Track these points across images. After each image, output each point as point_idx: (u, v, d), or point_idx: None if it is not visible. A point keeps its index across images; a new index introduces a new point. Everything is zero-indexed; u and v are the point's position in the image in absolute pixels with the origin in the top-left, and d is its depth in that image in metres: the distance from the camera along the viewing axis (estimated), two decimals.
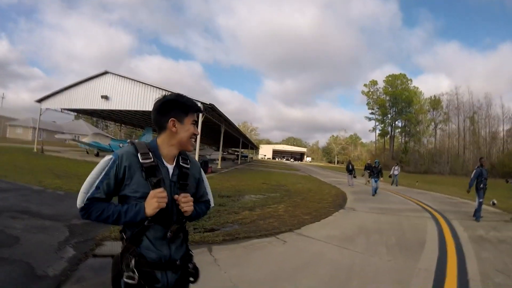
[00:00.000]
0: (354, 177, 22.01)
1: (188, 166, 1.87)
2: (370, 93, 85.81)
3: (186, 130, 1.79)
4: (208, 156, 34.22)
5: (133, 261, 1.63)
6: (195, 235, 6.29)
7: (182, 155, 1.88)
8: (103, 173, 1.67)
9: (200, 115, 22.13)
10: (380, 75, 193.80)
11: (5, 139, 50.87)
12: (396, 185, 24.36)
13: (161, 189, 1.63)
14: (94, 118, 46.36)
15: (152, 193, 1.62)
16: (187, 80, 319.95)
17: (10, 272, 4.01)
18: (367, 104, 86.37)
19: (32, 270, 4.11)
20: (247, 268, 4.86)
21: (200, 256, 5.16)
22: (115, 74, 26.06)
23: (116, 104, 25.93)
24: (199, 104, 22.31)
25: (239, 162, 52.45)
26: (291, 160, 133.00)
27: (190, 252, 1.94)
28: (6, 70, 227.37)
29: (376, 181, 16.43)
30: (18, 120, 68.40)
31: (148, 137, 29.79)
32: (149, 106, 23.01)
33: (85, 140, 32.46)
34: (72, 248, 5.11)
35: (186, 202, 1.72)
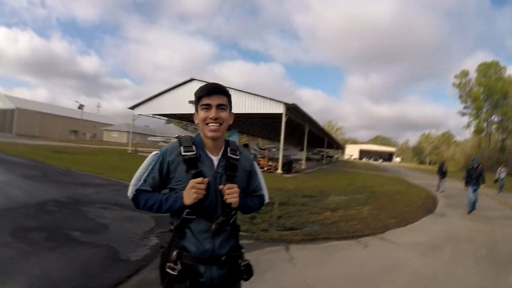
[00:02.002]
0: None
1: (238, 157, 1.80)
2: (461, 85, 76.80)
3: (199, 117, 1.73)
4: (293, 156, 34.05)
5: (174, 253, 1.65)
6: (274, 232, 6.34)
7: (231, 146, 1.82)
8: (149, 168, 1.75)
9: (283, 115, 22.22)
10: (472, 64, 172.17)
11: (102, 142, 56.59)
12: (500, 191, 19.97)
13: (200, 179, 1.59)
14: (183, 122, 48.97)
15: (191, 183, 1.59)
16: (270, 81, 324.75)
17: (96, 254, 4.44)
18: (459, 97, 77.60)
19: (116, 254, 4.51)
20: (324, 269, 4.74)
21: (276, 254, 5.19)
22: (201, 81, 26.96)
23: None
24: (281, 106, 22.47)
25: (324, 163, 51.37)
26: (380, 160, 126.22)
27: (241, 248, 1.85)
28: (99, 82, 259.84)
29: (475, 191, 11.01)
30: (113, 126, 75.96)
31: (234, 138, 30.62)
32: (233, 109, 23.56)
33: None
34: (156, 237, 5.46)
35: (230, 194, 1.63)
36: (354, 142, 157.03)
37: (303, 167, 30.46)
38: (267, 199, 2.01)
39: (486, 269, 5.23)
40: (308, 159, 44.45)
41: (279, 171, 22.30)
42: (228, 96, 1.77)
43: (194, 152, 1.68)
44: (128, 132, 56.77)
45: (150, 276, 3.88)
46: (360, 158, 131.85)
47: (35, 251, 4.28)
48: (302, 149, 39.97)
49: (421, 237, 7.10)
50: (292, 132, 38.99)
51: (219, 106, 1.69)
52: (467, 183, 11.50)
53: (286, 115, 22.52)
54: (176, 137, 1.81)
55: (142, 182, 1.74)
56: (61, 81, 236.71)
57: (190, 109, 27.45)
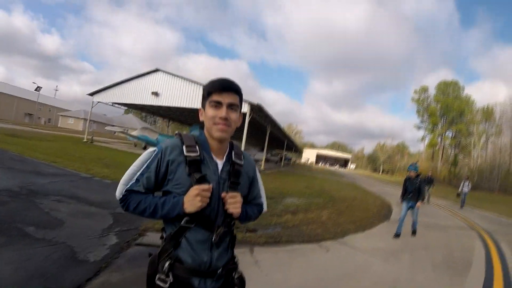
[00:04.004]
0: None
1: (242, 162, 1.66)
2: (420, 100, 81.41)
3: (207, 115, 1.56)
4: (253, 156, 34.07)
5: (167, 264, 1.49)
6: (237, 234, 6.20)
7: (235, 149, 1.68)
8: (144, 166, 1.55)
9: (247, 114, 22.10)
10: (433, 80, 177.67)
11: (57, 128, 53.96)
12: (462, 206, 18.96)
13: (206, 186, 1.45)
14: (143, 113, 47.85)
15: (195, 189, 1.43)
16: (233, 79, 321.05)
17: (52, 253, 4.10)
18: (417, 112, 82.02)
19: (74, 254, 4.18)
20: (289, 273, 4.77)
21: (241, 256, 5.03)
22: (166, 72, 26.71)
23: (165, 100, 26.56)
24: (245, 105, 22.29)
25: (282, 165, 51.99)
26: (336, 166, 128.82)
27: (236, 260, 1.72)
28: (58, 64, 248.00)
29: (410, 206, 8.60)
30: (70, 111, 72.78)
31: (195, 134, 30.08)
32: (196, 104, 23.84)
33: (134, 133, 33.28)
34: (115, 236, 5.19)
35: (233, 203, 1.51)
36: (312, 146, 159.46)
37: (262, 168, 30.56)
38: (265, 209, 1.89)
39: (443, 274, 5.56)
40: (267, 160, 44.69)
41: None
42: (240, 96, 1.61)
43: (198, 153, 1.52)
44: (85, 119, 54.56)
45: (112, 279, 3.65)
46: (317, 162, 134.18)
47: None
48: (262, 150, 40.13)
49: (380, 243, 7.34)
50: (254, 132, 39.09)
51: (230, 106, 1.54)
52: (402, 196, 8.82)
53: (250, 115, 22.50)
54: (176, 134, 1.63)
55: (134, 181, 1.53)
56: (20, 59, 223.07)
57: (152, 100, 27.01)
